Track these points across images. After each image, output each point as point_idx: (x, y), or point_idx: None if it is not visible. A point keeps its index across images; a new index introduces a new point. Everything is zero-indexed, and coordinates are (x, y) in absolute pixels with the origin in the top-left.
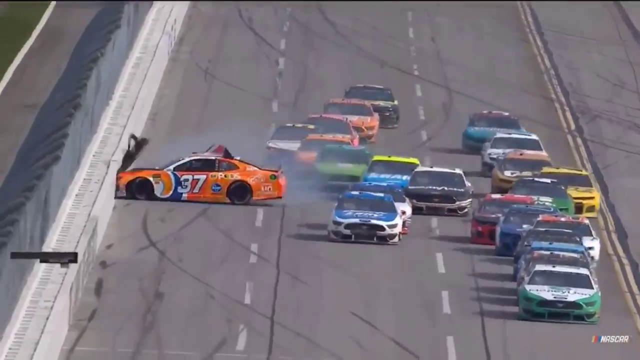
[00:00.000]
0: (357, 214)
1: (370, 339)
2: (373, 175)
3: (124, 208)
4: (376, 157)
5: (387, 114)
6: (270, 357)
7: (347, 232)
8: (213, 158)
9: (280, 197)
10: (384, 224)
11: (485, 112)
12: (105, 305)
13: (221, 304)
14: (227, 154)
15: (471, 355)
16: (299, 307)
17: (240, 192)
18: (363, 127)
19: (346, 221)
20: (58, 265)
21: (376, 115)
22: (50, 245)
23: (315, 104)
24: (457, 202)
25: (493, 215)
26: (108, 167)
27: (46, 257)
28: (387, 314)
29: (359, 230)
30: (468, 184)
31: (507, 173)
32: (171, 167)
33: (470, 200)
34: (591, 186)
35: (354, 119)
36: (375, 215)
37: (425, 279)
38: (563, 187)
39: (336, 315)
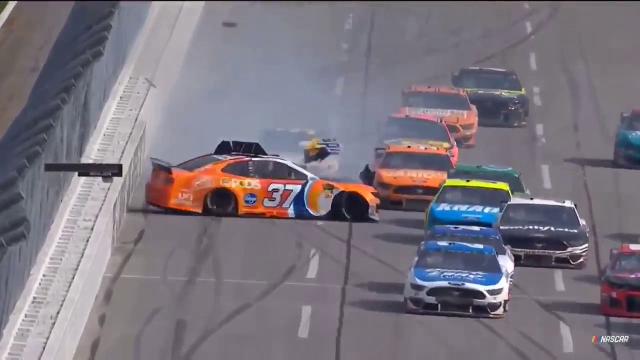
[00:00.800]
0: (445, 274)
1: None
2: (443, 206)
3: None
4: (448, 182)
5: (512, 107)
6: (346, 286)
7: (432, 299)
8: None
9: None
10: (483, 289)
11: None
12: (153, 225)
13: (289, 225)
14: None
15: None
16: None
17: None
18: (458, 126)
19: (430, 284)
20: (99, 179)
21: (474, 108)
22: (91, 155)
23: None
24: (570, 249)
25: (633, 276)
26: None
27: (86, 170)
28: None
29: (448, 298)
30: (583, 222)
31: None
32: None
33: (586, 245)
34: None
35: (446, 114)
36: (472, 276)
37: None
38: None
39: None
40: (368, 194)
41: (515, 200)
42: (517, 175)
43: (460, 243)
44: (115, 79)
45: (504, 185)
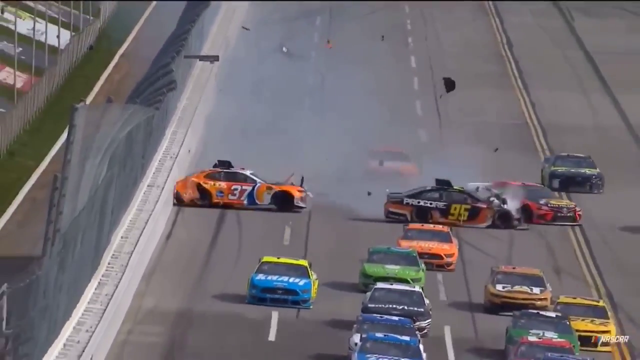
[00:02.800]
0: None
1: None
2: (260, 276)
3: None
4: (265, 259)
5: (594, 181)
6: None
7: None
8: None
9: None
10: None
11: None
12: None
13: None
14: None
15: None
16: None
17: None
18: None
19: None
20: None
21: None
22: None
23: None
24: (417, 323)
25: None
26: None
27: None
28: None
29: None
30: (427, 301)
31: (499, 287)
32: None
33: (429, 320)
34: (608, 318)
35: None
36: None
37: None
38: (568, 322)
39: None
40: (295, 191)
41: (379, 285)
42: (414, 255)
43: (393, 335)
44: None
45: (304, 262)
